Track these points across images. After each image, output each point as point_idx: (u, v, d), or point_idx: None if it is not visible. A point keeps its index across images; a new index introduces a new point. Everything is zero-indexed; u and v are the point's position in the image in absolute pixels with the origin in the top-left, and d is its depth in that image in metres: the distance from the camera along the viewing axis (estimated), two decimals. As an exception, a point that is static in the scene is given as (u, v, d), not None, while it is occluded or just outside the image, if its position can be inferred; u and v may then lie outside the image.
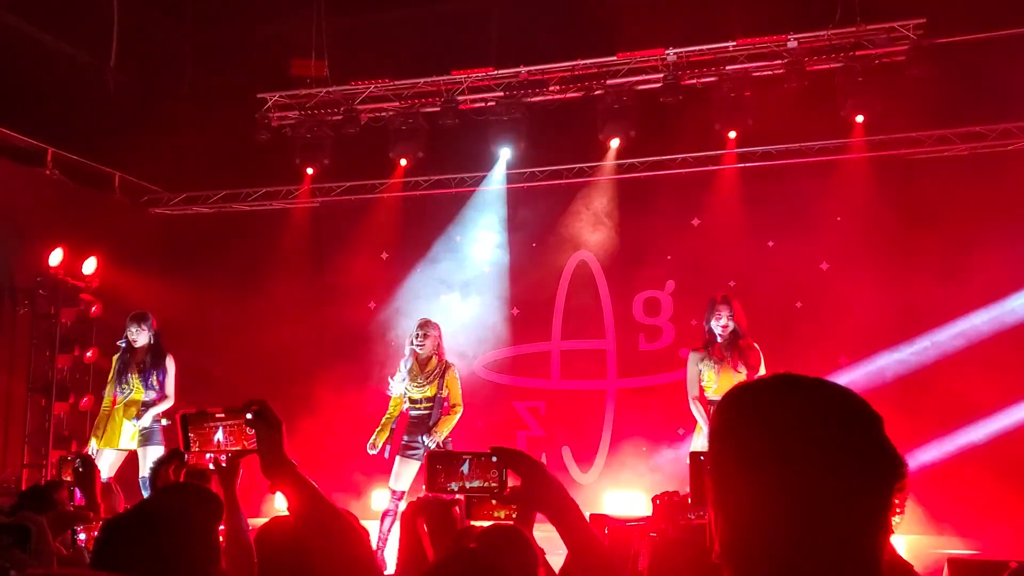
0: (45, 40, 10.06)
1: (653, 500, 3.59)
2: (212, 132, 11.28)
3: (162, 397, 8.15)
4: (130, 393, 8.08)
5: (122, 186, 11.53)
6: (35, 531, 1.74)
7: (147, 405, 8.06)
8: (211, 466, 2.34)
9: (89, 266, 10.06)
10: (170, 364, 8.29)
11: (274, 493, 2.07)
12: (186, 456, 2.23)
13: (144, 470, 7.53)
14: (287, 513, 2.08)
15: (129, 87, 10.97)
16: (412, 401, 7.66)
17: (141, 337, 8.18)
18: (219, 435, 2.14)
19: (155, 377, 8.14)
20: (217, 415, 2.15)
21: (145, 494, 6.46)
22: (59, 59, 10.29)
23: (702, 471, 2.07)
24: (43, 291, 9.85)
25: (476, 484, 2.10)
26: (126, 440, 8.03)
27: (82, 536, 3.25)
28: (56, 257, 9.72)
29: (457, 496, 2.37)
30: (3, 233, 9.68)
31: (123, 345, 8.19)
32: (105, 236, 10.52)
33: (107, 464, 7.86)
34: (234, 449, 2.15)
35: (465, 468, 2.10)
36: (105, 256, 10.24)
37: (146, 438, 8.00)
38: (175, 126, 11.66)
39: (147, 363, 8.17)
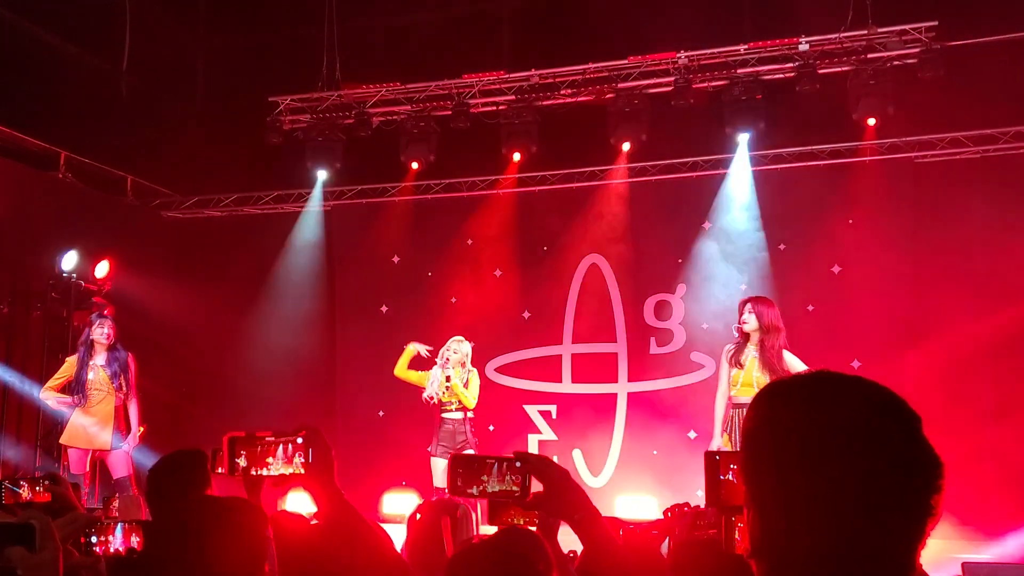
0: (58, 44, 10.09)
1: (664, 513, 3.61)
2: (224, 136, 11.32)
3: None
4: None
5: (134, 189, 11.57)
6: (39, 527, 1.73)
7: None
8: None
9: (101, 269, 10.09)
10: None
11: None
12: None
13: None
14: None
15: (141, 91, 11.01)
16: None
17: None
18: (270, 458, 2.13)
19: None
20: (266, 439, 2.14)
21: None
22: (72, 63, 10.32)
23: (716, 471, 2.07)
24: (56, 294, 9.88)
25: (498, 488, 2.09)
26: None
27: (93, 539, 3.20)
28: (69, 260, 9.75)
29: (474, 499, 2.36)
30: (16, 236, 9.72)
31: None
32: (117, 239, 10.54)
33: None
34: (283, 471, 2.14)
35: (487, 473, 2.09)
36: (117, 259, 10.26)
37: None
38: (187, 130, 11.71)
39: None
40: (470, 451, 8.05)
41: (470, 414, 8.36)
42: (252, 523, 2.27)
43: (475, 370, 8.53)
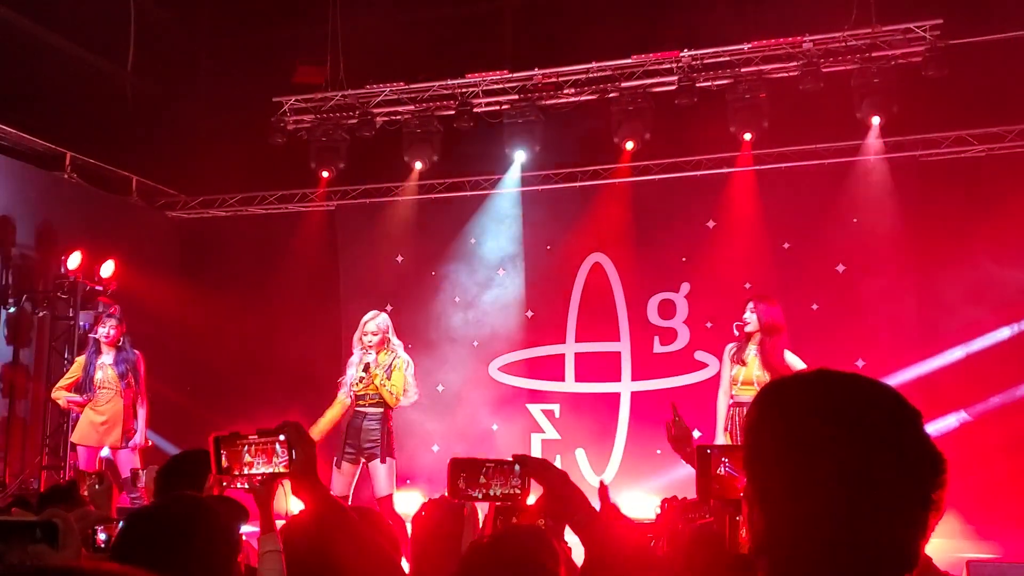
0: (63, 46, 10.13)
1: (661, 504, 3.63)
2: (228, 136, 11.34)
3: None
4: None
5: (139, 190, 11.60)
6: (63, 527, 1.76)
7: None
8: (245, 485, 2.34)
9: (107, 269, 10.11)
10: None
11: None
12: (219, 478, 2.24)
13: None
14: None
15: (146, 92, 11.05)
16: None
17: None
18: (250, 457, 2.14)
19: None
20: (249, 437, 2.15)
21: None
22: (77, 65, 10.36)
23: (708, 465, 2.08)
24: (61, 294, 9.90)
25: (498, 492, 2.10)
26: None
27: (102, 536, 3.24)
28: (74, 260, 9.76)
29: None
30: (22, 236, 9.75)
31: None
32: (123, 239, 10.57)
33: None
34: (266, 471, 2.14)
35: (488, 476, 2.10)
36: (122, 259, 10.28)
37: None
38: (192, 130, 11.73)
39: None
40: (375, 453, 7.11)
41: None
42: (220, 516, 2.28)
43: (407, 358, 7.32)
